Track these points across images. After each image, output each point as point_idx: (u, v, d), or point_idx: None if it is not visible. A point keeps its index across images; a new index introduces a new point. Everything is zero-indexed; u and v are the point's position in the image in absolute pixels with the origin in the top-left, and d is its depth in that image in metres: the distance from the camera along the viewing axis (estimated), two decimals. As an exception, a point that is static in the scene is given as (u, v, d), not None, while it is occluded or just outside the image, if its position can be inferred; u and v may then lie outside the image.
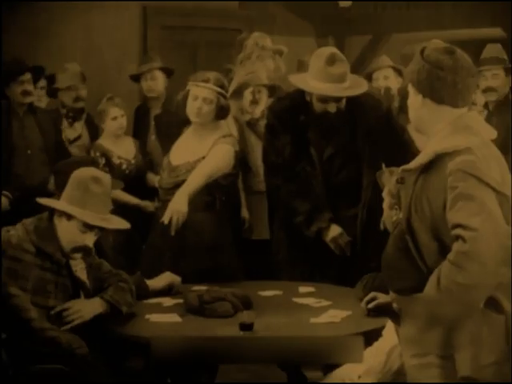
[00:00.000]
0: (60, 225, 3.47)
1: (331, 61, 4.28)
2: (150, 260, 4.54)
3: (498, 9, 7.80)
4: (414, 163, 2.89)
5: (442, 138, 2.84)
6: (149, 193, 5.44)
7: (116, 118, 5.47)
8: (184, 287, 3.99)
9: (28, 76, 5.38)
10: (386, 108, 4.58)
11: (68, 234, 3.46)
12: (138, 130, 5.99)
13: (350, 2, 8.65)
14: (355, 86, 4.36)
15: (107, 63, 6.20)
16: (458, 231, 2.71)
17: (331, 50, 4.43)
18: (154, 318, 3.59)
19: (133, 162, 5.54)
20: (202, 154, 4.50)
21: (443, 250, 2.78)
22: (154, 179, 5.50)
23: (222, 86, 4.55)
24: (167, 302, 3.85)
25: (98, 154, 5.42)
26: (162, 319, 3.57)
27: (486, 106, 4.93)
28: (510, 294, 2.79)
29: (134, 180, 5.47)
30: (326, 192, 4.44)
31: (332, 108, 4.34)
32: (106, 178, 3.59)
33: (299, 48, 6.48)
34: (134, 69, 6.29)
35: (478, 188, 2.72)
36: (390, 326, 3.29)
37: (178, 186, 4.44)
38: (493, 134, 2.91)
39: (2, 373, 3.18)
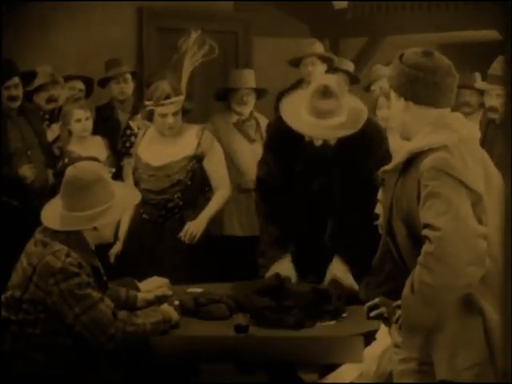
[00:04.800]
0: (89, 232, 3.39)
1: (320, 94, 3.88)
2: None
3: (494, 11, 7.80)
4: (392, 164, 2.90)
5: (420, 137, 2.85)
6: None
7: (80, 121, 5.28)
8: (179, 289, 3.98)
9: (16, 81, 5.28)
10: (383, 146, 4.10)
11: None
12: (102, 131, 5.66)
13: (345, 4, 8.65)
14: (348, 124, 3.90)
15: (103, 65, 6.18)
16: (425, 232, 2.71)
17: (326, 81, 3.99)
18: (150, 320, 3.57)
19: (108, 162, 5.34)
20: (187, 152, 4.57)
21: (419, 252, 2.76)
22: None
23: (179, 93, 4.52)
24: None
25: (66, 160, 5.12)
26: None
27: (490, 123, 4.90)
28: (488, 295, 2.75)
29: None
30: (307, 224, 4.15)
31: (317, 141, 4.03)
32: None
33: (295, 49, 6.49)
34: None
35: (449, 186, 2.71)
36: (383, 328, 3.28)
37: (173, 185, 4.49)
38: (475, 133, 2.91)
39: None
